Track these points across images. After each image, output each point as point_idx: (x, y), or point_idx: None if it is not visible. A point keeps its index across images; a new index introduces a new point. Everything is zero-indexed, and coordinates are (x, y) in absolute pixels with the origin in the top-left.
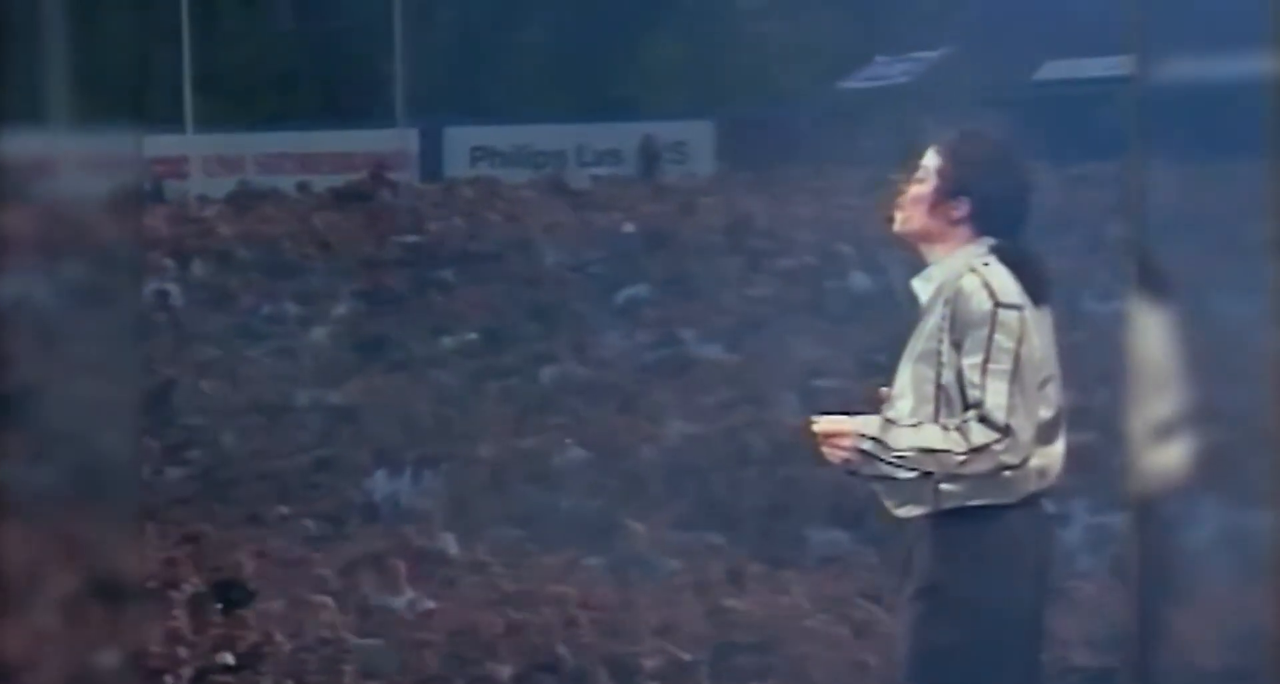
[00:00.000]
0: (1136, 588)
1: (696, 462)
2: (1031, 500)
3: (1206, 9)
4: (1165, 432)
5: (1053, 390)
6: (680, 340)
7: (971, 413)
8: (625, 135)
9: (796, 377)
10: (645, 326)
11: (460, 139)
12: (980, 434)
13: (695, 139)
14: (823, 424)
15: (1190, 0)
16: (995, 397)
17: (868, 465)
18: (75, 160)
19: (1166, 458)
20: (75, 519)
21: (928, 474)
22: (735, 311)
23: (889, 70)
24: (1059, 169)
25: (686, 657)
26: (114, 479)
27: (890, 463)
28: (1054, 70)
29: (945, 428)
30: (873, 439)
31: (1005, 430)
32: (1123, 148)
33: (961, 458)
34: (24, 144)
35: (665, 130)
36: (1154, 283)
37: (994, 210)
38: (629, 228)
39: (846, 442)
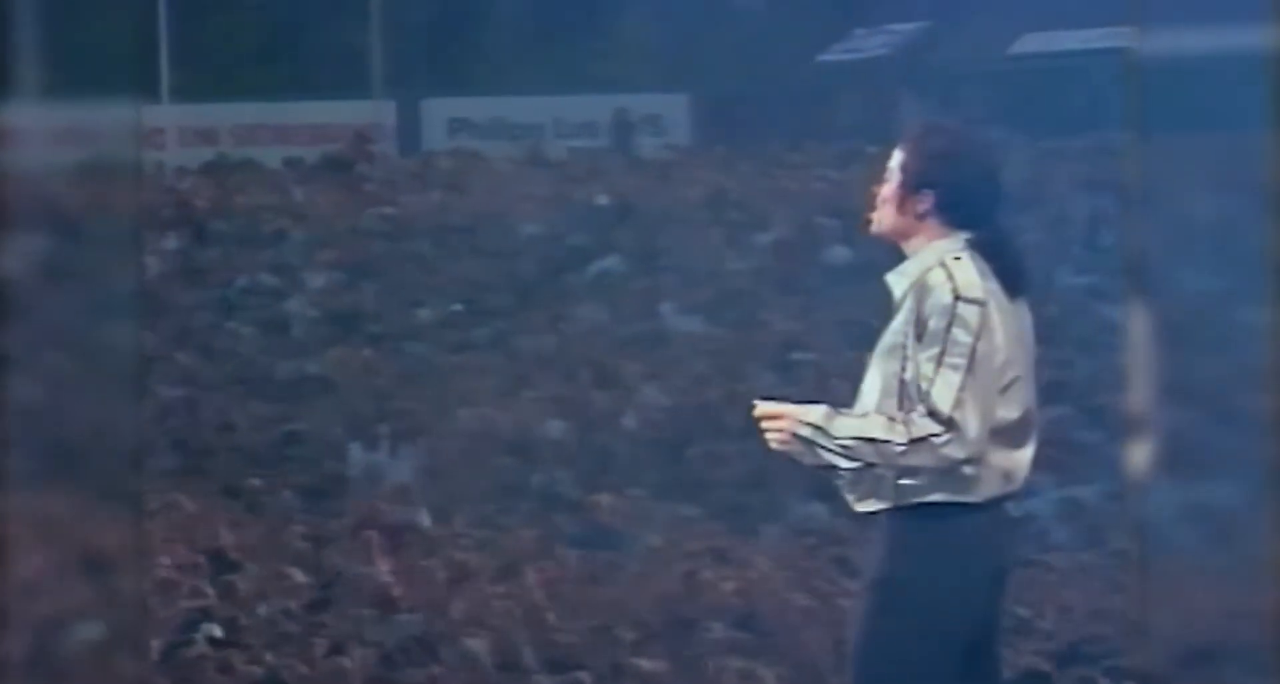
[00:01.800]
0: (1137, 569)
1: (673, 435)
2: (994, 503)
3: None
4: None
5: (1022, 392)
6: (658, 313)
7: (920, 406)
8: (602, 108)
9: (775, 350)
10: (622, 300)
11: (438, 111)
12: (921, 426)
13: (670, 113)
14: (763, 408)
15: None
16: (942, 389)
17: (808, 453)
18: (67, 132)
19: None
20: (67, 494)
21: (871, 465)
22: (713, 285)
23: (867, 43)
24: (1035, 143)
25: (661, 630)
26: (107, 454)
27: (831, 450)
28: (1031, 43)
29: (891, 419)
30: (813, 426)
31: (949, 423)
32: (1098, 121)
33: (901, 449)
34: (3, 115)
35: (640, 103)
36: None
37: (958, 201)
38: (606, 200)
39: (784, 424)
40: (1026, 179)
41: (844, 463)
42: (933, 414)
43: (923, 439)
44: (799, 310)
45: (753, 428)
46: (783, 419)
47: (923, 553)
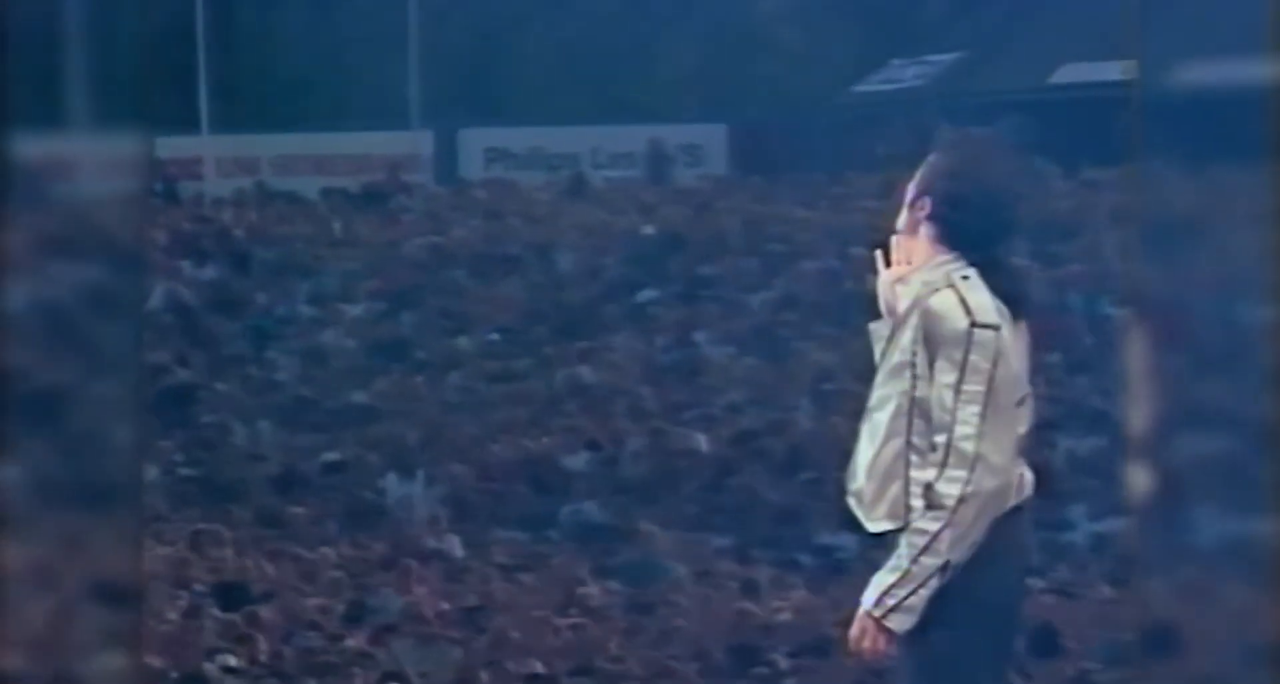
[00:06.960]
0: (1142, 593)
1: (709, 464)
2: (1012, 512)
3: (1209, 15)
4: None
5: (1027, 409)
6: (694, 343)
7: (928, 478)
8: (639, 138)
9: (809, 380)
10: (659, 329)
11: (474, 141)
12: (943, 492)
13: (709, 142)
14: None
15: (1194, 7)
16: (964, 426)
17: (908, 614)
18: (86, 162)
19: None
20: (78, 521)
21: (945, 565)
22: (749, 315)
23: (903, 73)
24: (1072, 174)
25: (695, 660)
26: (118, 480)
27: (917, 591)
28: (1069, 73)
29: (911, 518)
30: (880, 603)
31: (975, 459)
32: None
33: (945, 523)
34: (38, 146)
35: (678, 133)
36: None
37: (952, 215)
38: (643, 230)
39: (869, 643)
40: (1065, 209)
41: (935, 582)
42: (958, 454)
43: (963, 498)
44: (835, 340)
45: (788, 458)
46: (864, 639)
47: (961, 569)
